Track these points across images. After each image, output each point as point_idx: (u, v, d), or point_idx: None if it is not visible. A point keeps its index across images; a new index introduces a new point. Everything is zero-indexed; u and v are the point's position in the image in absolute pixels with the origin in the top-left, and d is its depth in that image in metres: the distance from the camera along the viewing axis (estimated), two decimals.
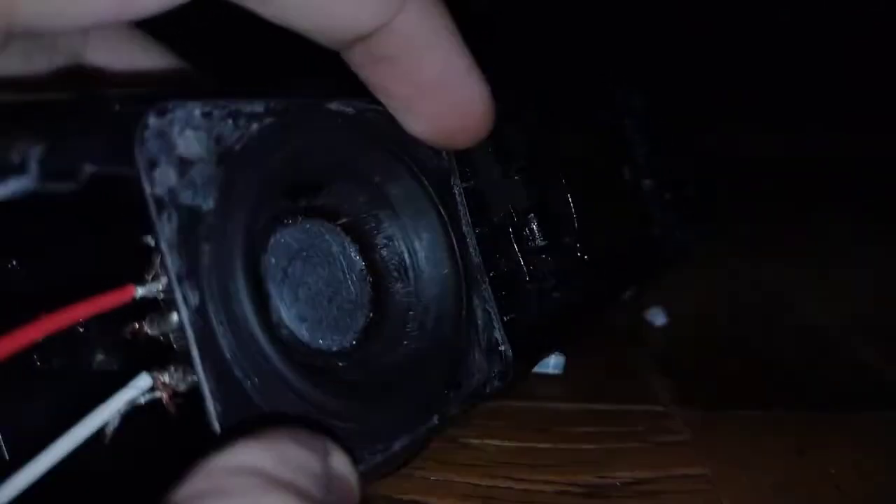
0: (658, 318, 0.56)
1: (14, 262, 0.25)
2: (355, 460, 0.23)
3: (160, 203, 0.21)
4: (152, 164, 0.21)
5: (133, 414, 0.22)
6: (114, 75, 0.29)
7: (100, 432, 0.21)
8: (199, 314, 0.21)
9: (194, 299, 0.21)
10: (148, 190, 0.21)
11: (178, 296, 0.21)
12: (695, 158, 0.53)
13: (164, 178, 0.21)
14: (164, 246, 0.21)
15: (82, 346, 0.26)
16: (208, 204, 0.22)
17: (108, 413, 0.21)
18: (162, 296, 0.22)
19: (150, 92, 0.23)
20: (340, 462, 0.22)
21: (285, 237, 0.27)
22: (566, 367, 0.46)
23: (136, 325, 0.22)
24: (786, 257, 0.75)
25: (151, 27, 0.25)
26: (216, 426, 0.21)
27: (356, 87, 0.28)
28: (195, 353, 0.21)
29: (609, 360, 0.50)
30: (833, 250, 0.77)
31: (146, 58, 0.30)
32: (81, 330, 0.24)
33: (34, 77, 0.27)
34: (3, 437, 0.25)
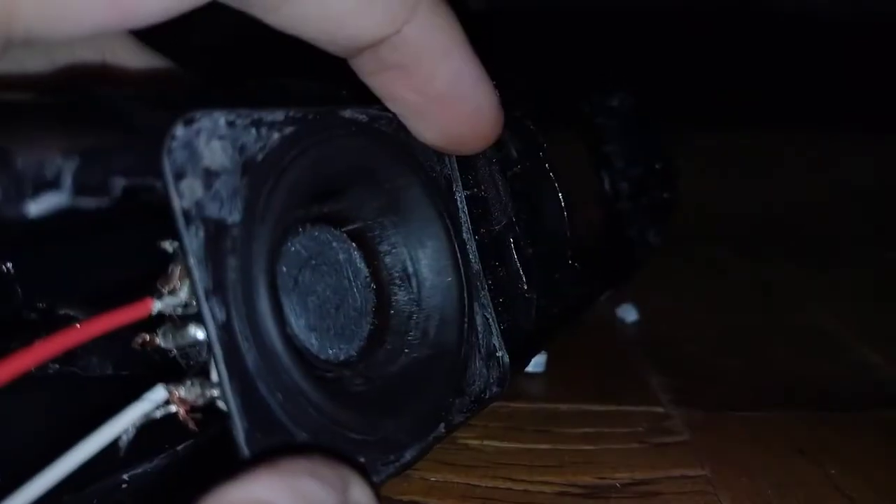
0: (629, 314, 0.57)
1: (9, 265, 0.25)
2: (373, 483, 0.23)
3: (188, 216, 0.20)
4: (179, 176, 0.20)
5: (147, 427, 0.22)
6: (115, 76, 0.29)
7: (114, 445, 0.21)
8: (225, 330, 0.21)
9: (221, 314, 0.21)
10: (177, 203, 0.20)
11: (207, 311, 0.21)
12: (670, 161, 0.53)
13: (191, 191, 0.21)
14: (192, 260, 0.21)
15: (79, 351, 0.26)
16: (234, 217, 0.22)
17: (122, 425, 0.21)
18: (180, 310, 0.21)
19: (170, 96, 0.23)
20: (360, 493, 0.21)
21: (295, 245, 0.27)
22: (547, 364, 0.47)
23: (147, 337, 0.22)
24: (786, 257, 0.75)
25: (151, 30, 0.24)
26: (242, 444, 0.21)
27: (365, 92, 0.28)
28: (223, 369, 0.21)
29: (606, 361, 0.50)
30: (833, 250, 0.77)
31: (136, 59, 0.30)
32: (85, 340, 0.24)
33: (37, 76, 0.27)
34: None
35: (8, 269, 0.24)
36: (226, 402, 0.21)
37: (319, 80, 0.29)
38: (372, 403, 0.26)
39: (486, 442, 0.39)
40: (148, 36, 0.28)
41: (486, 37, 0.29)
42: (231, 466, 0.19)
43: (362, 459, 0.24)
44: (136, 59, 0.29)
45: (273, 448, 0.21)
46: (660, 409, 0.43)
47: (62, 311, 0.24)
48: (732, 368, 0.49)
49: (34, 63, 0.26)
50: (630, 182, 0.48)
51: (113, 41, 0.29)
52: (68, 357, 0.25)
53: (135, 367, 0.26)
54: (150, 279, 0.22)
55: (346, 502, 0.21)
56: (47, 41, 0.21)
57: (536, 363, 0.46)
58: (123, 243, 0.25)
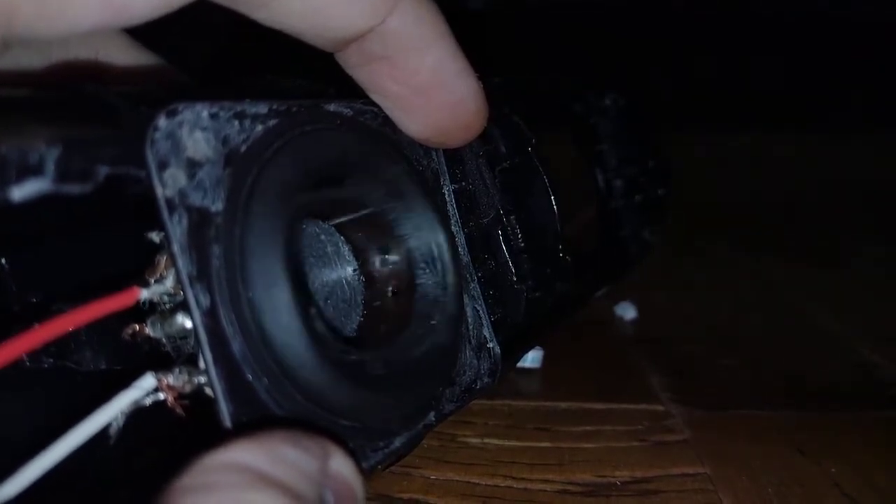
0: (628, 312, 0.57)
1: (3, 261, 0.25)
2: (358, 462, 0.23)
3: (171, 205, 0.21)
4: (163, 166, 0.21)
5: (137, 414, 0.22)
6: (107, 73, 0.29)
7: (104, 432, 0.21)
8: (210, 316, 0.21)
9: (205, 301, 0.21)
10: (159, 191, 0.21)
11: (191, 298, 0.21)
12: (664, 160, 0.53)
13: (174, 180, 0.21)
14: (175, 248, 0.21)
15: (73, 345, 0.26)
16: (217, 206, 0.22)
17: (111, 413, 0.21)
18: (167, 298, 0.22)
19: (157, 92, 0.23)
20: (341, 464, 0.22)
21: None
22: (544, 360, 0.47)
23: (136, 327, 0.23)
24: (786, 257, 0.75)
25: (145, 28, 0.25)
26: (228, 426, 0.21)
27: (351, 89, 0.28)
28: (208, 354, 0.21)
29: (606, 359, 0.50)
30: (834, 249, 0.77)
31: (130, 55, 0.30)
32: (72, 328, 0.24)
33: (31, 73, 0.27)
34: None
35: (2, 264, 0.25)
36: (211, 386, 0.21)
37: (307, 77, 0.29)
38: (363, 392, 0.26)
39: (486, 440, 0.39)
40: (144, 35, 0.29)
41: (482, 35, 0.30)
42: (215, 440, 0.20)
43: (351, 445, 0.24)
44: (128, 56, 0.30)
45: (256, 424, 0.21)
46: (660, 408, 0.43)
47: (55, 306, 0.25)
48: (733, 367, 0.49)
49: (29, 60, 0.27)
50: (624, 180, 0.48)
51: (107, 39, 0.29)
52: (62, 352, 0.26)
53: (128, 362, 0.26)
54: (141, 271, 0.22)
55: (326, 469, 0.21)
56: (44, 39, 0.22)
57: (533, 359, 0.47)
58: (115, 239, 0.25)
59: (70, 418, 0.21)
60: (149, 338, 0.22)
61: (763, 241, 0.80)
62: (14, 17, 0.20)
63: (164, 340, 0.22)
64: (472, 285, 0.31)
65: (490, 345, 0.31)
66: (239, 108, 0.23)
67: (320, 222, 0.29)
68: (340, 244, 0.29)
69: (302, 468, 0.20)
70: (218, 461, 0.19)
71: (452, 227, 0.31)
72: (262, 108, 0.24)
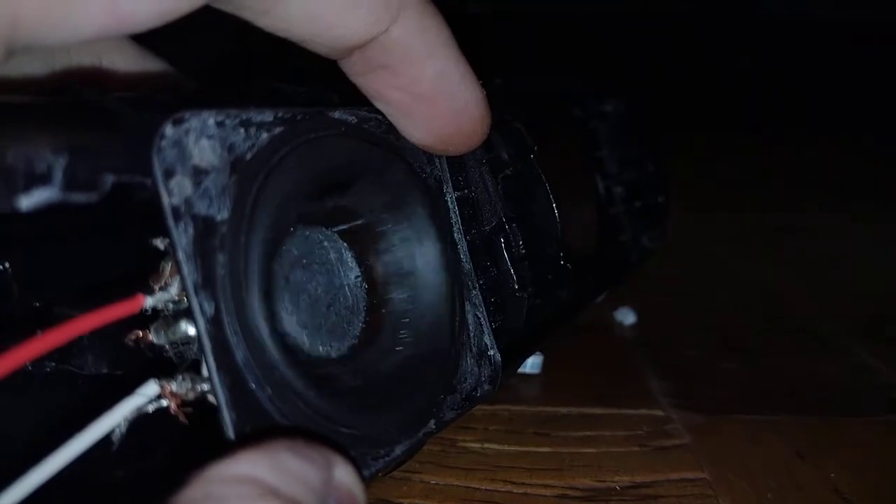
0: (628, 317, 0.57)
1: (6, 264, 0.25)
2: (360, 471, 0.23)
3: (176, 213, 0.21)
4: (169, 174, 0.21)
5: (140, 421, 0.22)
6: (112, 80, 0.30)
7: (107, 439, 0.21)
8: (214, 324, 0.21)
9: (210, 309, 0.21)
10: (165, 200, 0.21)
11: (195, 305, 0.21)
12: (663, 165, 0.53)
13: (181, 188, 0.21)
14: (181, 255, 0.21)
15: (75, 349, 0.26)
16: (222, 214, 0.22)
17: (114, 420, 0.21)
18: (171, 305, 0.22)
19: (163, 99, 0.23)
20: (345, 474, 0.22)
21: (287, 244, 0.27)
22: (544, 365, 0.47)
23: (140, 333, 0.23)
24: (786, 258, 0.76)
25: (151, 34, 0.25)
26: (231, 435, 0.21)
27: (355, 97, 0.28)
28: (211, 362, 0.21)
29: (606, 364, 0.50)
30: (833, 251, 0.77)
31: (134, 62, 0.31)
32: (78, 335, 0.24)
33: (35, 80, 0.27)
34: None
35: (5, 268, 0.25)
36: (215, 395, 0.21)
37: (310, 83, 0.29)
38: (362, 399, 0.26)
39: (486, 445, 0.39)
40: (147, 40, 0.29)
41: (482, 39, 0.30)
42: (218, 450, 0.20)
43: (352, 453, 0.24)
44: (132, 62, 0.30)
45: (260, 433, 0.21)
46: (660, 413, 0.43)
47: (58, 310, 0.25)
48: (732, 371, 0.49)
49: (33, 67, 0.27)
50: (624, 186, 0.49)
51: (111, 46, 0.29)
52: (65, 356, 0.26)
53: (130, 366, 0.26)
54: (145, 278, 0.22)
55: (329, 480, 0.21)
56: (48, 47, 0.22)
57: (533, 364, 0.47)
58: (119, 244, 0.25)
59: (72, 421, 0.21)
60: (152, 344, 0.23)
61: (763, 245, 0.80)
62: (18, 25, 0.20)
63: (167, 347, 0.23)
64: (474, 293, 0.31)
65: (491, 352, 0.31)
66: (245, 115, 0.23)
67: (324, 229, 0.29)
68: (343, 251, 0.29)
69: (307, 479, 0.20)
70: (222, 473, 0.19)
71: (455, 235, 0.31)
72: (268, 116, 0.24)
